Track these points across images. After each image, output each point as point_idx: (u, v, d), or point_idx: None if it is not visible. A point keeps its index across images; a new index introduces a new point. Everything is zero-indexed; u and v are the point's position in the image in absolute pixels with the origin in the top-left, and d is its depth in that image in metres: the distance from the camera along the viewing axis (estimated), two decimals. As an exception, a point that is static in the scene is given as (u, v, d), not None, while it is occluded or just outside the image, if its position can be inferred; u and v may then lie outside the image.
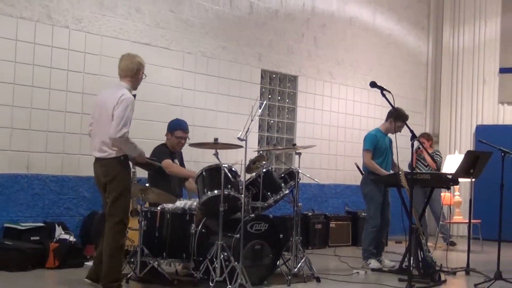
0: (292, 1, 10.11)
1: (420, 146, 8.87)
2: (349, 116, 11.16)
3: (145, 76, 5.64)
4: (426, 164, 9.83)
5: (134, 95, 5.46)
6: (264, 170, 6.49)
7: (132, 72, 5.48)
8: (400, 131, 7.51)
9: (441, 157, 10.12)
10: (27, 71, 7.07)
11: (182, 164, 7.15)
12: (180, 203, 6.43)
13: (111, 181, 5.32)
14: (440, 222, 9.92)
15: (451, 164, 9.92)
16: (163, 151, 6.82)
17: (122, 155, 5.34)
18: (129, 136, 5.30)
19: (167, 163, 6.63)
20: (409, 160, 8.68)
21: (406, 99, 11.77)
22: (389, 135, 7.80)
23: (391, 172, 7.61)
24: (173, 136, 6.90)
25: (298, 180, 6.82)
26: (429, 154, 9.61)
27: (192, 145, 6.54)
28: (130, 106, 5.28)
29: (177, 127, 6.94)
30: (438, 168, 9.75)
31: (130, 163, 5.67)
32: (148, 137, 7.64)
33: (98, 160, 5.42)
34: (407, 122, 6.76)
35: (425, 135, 10.25)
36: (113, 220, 5.33)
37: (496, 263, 6.72)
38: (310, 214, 9.64)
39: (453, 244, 10.21)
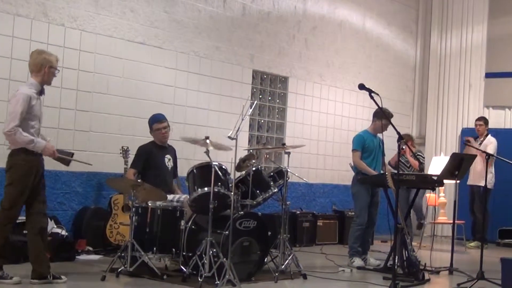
0: (284, 4, 10.19)
1: (404, 147, 8.98)
2: (338, 117, 11.24)
3: (58, 71, 5.71)
4: (408, 165, 9.95)
5: (42, 90, 5.57)
6: (254, 168, 6.55)
7: (36, 68, 5.57)
8: (386, 129, 7.48)
9: (424, 158, 10.22)
10: (23, 67, 6.92)
11: (175, 160, 7.26)
12: (170, 197, 6.52)
13: (7, 171, 5.51)
14: (421, 219, 10.11)
15: (436, 165, 9.94)
16: (142, 153, 7.08)
17: (20, 148, 5.46)
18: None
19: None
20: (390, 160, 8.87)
21: (393, 101, 11.86)
22: (380, 136, 7.71)
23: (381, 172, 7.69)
24: (154, 131, 7.13)
25: (287, 179, 6.87)
26: (413, 154, 9.73)
27: (184, 139, 6.67)
28: (21, 101, 5.36)
29: (153, 121, 7.16)
30: (422, 168, 9.86)
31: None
32: (142, 135, 7.68)
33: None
34: (394, 125, 6.76)
35: (406, 136, 10.34)
36: (1, 207, 5.53)
37: (479, 263, 6.76)
38: (298, 212, 9.69)
39: (420, 227, 10.41)
